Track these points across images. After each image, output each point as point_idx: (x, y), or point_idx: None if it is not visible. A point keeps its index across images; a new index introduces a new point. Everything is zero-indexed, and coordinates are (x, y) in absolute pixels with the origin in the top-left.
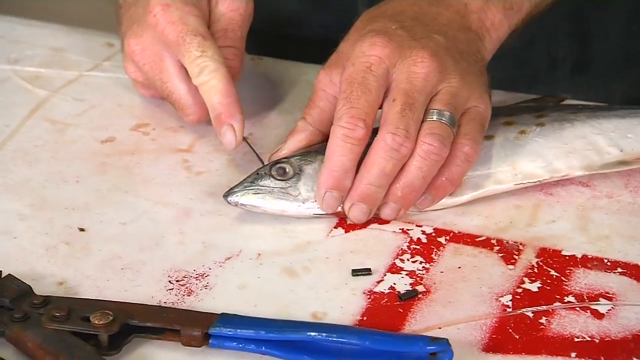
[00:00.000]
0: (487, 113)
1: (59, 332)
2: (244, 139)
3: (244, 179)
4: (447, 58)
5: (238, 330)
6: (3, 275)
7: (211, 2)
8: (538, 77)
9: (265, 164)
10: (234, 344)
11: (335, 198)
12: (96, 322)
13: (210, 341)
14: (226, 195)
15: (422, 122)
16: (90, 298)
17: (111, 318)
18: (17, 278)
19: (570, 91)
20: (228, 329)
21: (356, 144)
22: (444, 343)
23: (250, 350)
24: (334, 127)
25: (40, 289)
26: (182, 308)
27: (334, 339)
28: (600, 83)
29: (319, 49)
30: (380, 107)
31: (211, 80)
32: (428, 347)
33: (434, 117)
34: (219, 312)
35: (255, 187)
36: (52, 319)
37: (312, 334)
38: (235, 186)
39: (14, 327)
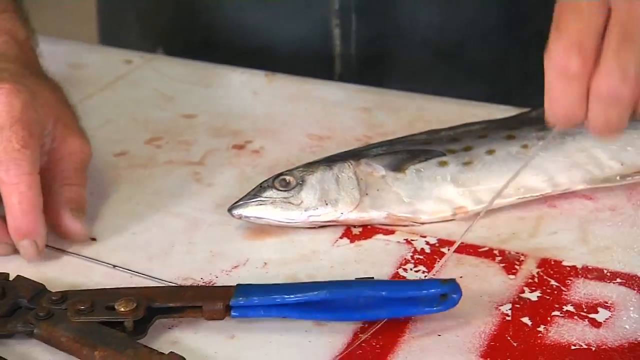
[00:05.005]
0: None
1: (87, 324)
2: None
3: (248, 192)
4: None
5: (257, 298)
6: (11, 278)
7: (56, 139)
8: (512, 94)
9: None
10: (256, 311)
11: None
12: (122, 310)
13: (231, 313)
14: (230, 209)
15: None
16: (107, 287)
17: (135, 304)
18: (27, 278)
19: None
20: (249, 298)
21: (574, 78)
22: (452, 283)
23: (272, 315)
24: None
25: None
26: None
27: (350, 294)
28: None
29: (291, 61)
30: None
31: (20, 185)
32: (439, 289)
33: None
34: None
35: (258, 199)
36: (78, 312)
37: (329, 291)
38: (239, 200)
39: (43, 325)
